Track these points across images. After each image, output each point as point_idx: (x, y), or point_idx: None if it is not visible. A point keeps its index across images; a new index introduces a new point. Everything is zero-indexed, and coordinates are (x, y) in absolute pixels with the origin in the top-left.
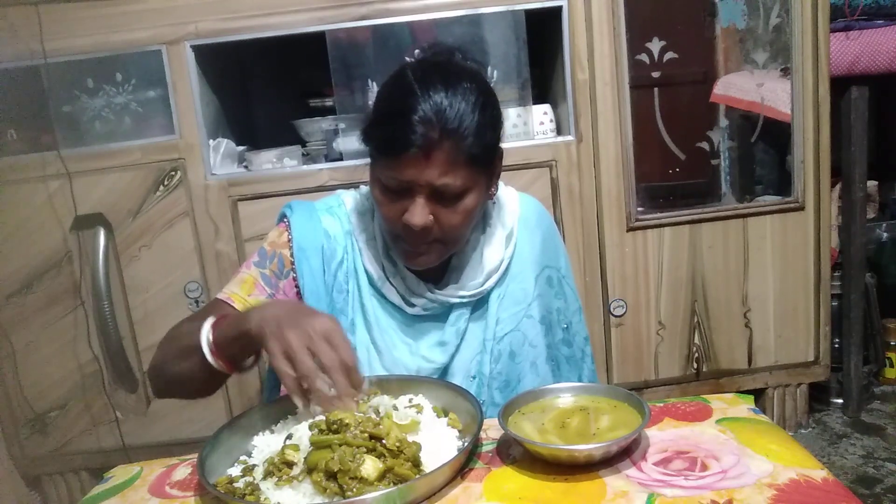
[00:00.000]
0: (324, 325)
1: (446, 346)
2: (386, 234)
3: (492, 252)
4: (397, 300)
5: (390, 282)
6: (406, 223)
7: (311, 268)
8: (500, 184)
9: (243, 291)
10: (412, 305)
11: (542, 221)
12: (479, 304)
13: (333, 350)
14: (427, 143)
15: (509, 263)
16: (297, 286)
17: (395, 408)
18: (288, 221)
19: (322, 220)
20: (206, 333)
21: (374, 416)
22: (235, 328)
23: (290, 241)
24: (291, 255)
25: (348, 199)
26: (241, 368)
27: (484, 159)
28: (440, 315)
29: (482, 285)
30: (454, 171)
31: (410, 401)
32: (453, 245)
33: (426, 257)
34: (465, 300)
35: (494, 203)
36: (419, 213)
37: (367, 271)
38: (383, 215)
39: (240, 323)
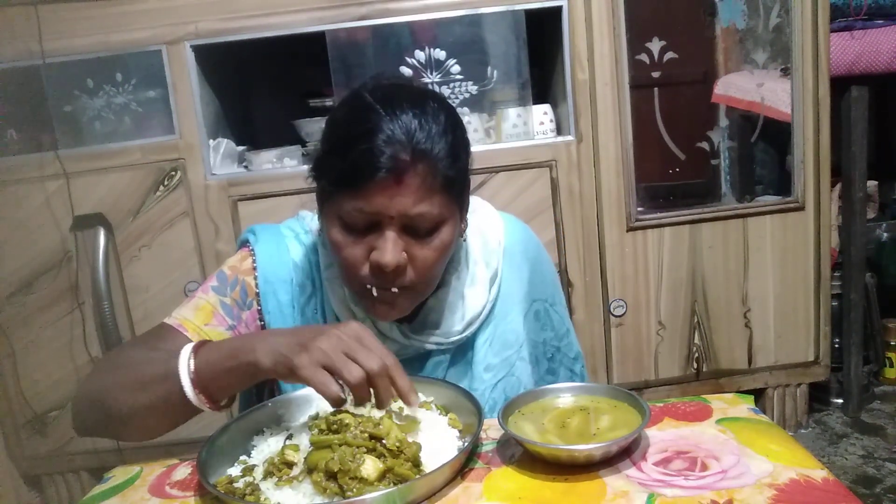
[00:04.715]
0: (354, 328)
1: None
2: (349, 286)
3: (474, 294)
4: None
5: None
6: (375, 264)
7: (280, 303)
8: (479, 205)
9: (198, 319)
10: None
11: (529, 251)
12: (460, 350)
13: (372, 352)
14: (398, 167)
15: (493, 306)
16: (261, 319)
17: (401, 409)
18: (252, 249)
19: (290, 248)
20: (185, 361)
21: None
22: (232, 359)
23: (254, 268)
24: (256, 286)
25: (314, 225)
26: (219, 406)
27: (459, 186)
28: (415, 361)
29: (462, 332)
30: (430, 197)
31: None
32: (425, 289)
33: (398, 308)
34: (442, 348)
35: (470, 235)
36: (391, 250)
37: (335, 313)
38: (345, 261)
39: (237, 353)
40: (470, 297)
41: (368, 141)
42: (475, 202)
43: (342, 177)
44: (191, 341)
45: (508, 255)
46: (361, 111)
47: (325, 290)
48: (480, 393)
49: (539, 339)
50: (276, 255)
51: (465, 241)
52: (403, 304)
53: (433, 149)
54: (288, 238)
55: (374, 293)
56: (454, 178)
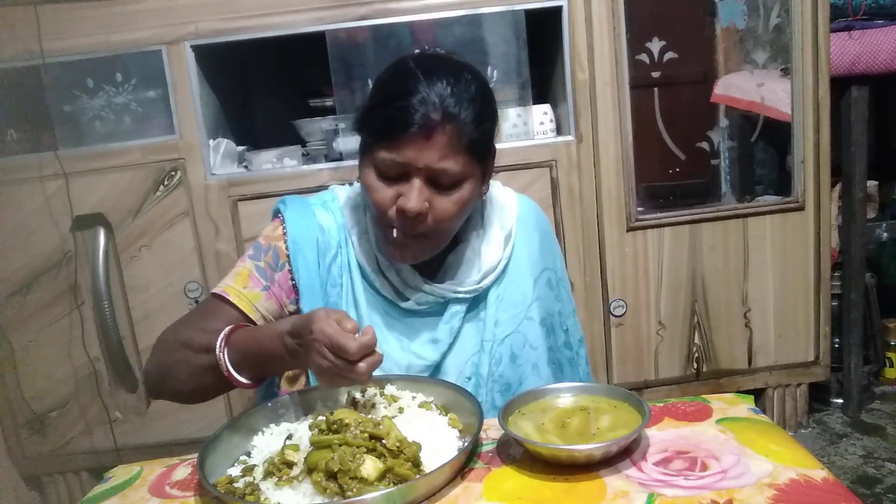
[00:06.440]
0: (321, 335)
1: (438, 343)
2: (375, 225)
3: (490, 251)
4: (390, 294)
5: (384, 275)
6: (401, 208)
7: (307, 261)
8: (498, 183)
9: (238, 284)
10: (406, 299)
11: (540, 223)
12: (475, 303)
13: (344, 351)
14: (428, 125)
15: (507, 264)
16: (292, 279)
17: (401, 409)
18: (282, 216)
19: (316, 214)
20: (226, 365)
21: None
22: (273, 362)
23: (284, 234)
24: (286, 249)
25: (341, 194)
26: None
27: (482, 149)
28: (434, 311)
29: (479, 283)
30: (454, 155)
31: (414, 398)
32: (442, 239)
33: (414, 251)
34: (460, 296)
35: (487, 202)
36: (415, 197)
37: (360, 265)
38: (375, 202)
39: (277, 358)
40: (486, 253)
41: (405, 100)
42: (495, 184)
43: (380, 129)
44: (234, 306)
45: (521, 221)
46: (403, 74)
47: (350, 248)
48: (490, 345)
49: (554, 309)
50: (302, 220)
51: (486, 202)
52: (417, 250)
53: (461, 113)
54: (315, 206)
55: (395, 234)
56: (478, 141)
